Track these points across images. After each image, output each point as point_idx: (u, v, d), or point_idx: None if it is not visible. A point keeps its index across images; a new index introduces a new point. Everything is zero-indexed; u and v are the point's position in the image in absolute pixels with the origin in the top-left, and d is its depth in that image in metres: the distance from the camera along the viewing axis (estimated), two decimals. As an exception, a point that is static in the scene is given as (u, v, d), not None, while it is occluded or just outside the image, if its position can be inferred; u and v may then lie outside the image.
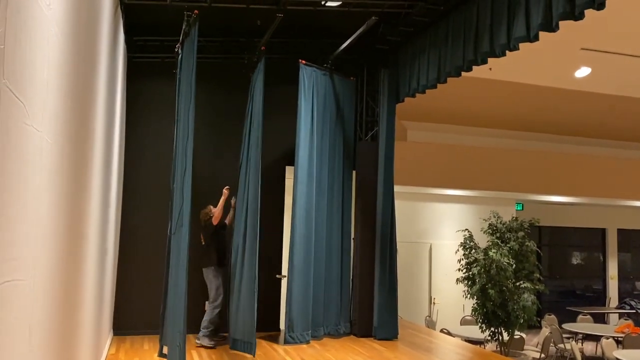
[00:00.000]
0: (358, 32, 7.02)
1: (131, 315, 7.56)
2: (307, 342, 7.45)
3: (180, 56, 6.28)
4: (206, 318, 7.12)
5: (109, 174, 5.50)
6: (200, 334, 7.09)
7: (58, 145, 2.43)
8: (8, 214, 1.62)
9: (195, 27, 5.79)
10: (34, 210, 1.98)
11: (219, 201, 7.22)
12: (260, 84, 7.10)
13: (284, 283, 7.91)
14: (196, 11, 5.79)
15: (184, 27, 6.07)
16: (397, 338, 7.89)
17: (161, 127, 7.84)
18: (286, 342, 7.33)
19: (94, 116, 3.90)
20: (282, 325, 8.04)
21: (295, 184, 7.57)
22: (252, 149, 7.26)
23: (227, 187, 7.27)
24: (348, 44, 7.49)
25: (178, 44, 6.43)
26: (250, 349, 6.57)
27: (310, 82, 7.86)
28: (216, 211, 7.14)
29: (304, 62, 7.82)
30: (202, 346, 7.02)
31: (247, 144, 7.48)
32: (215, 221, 7.15)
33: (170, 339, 5.58)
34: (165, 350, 5.97)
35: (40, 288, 2.18)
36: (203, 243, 7.24)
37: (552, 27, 5.15)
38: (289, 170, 7.97)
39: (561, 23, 5.10)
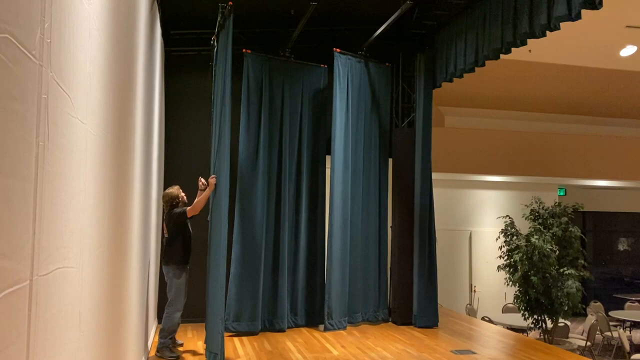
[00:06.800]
0: (392, 17, 6.93)
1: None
2: (344, 328, 7.51)
3: (215, 49, 6.34)
4: (164, 325, 5.98)
5: (150, 165, 5.62)
6: (160, 344, 5.98)
7: (101, 137, 2.49)
8: (58, 202, 1.67)
9: (230, 19, 5.83)
10: (81, 199, 2.05)
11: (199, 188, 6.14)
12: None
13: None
14: (230, 2, 5.82)
15: (218, 19, 6.12)
16: (437, 326, 7.84)
17: (200, 119, 7.95)
18: (326, 329, 7.40)
19: (134, 109, 3.99)
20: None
21: (332, 173, 7.60)
22: (304, 142, 7.70)
23: (213, 176, 5.89)
24: (383, 30, 7.41)
25: (213, 37, 6.49)
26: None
27: (345, 70, 7.83)
28: (198, 202, 5.93)
29: (338, 50, 7.78)
30: (161, 358, 5.91)
31: (297, 138, 7.83)
32: (193, 213, 5.98)
33: (211, 326, 5.70)
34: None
35: (88, 276, 2.25)
36: (166, 235, 6.11)
37: (595, 5, 4.97)
38: (328, 159, 7.99)
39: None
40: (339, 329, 7.47)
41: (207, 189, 5.89)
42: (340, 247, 7.60)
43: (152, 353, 6.13)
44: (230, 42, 5.84)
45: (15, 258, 1.29)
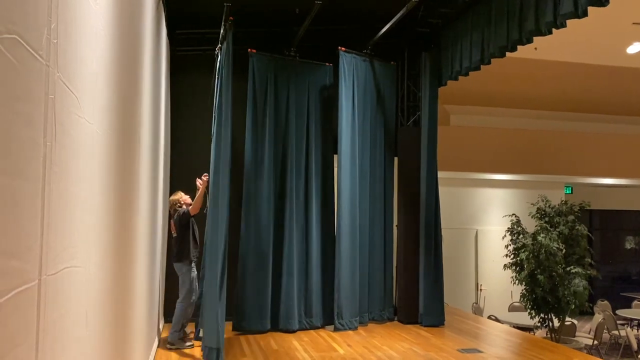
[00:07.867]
0: (398, 15, 6.91)
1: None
2: (355, 329, 7.48)
3: (219, 58, 6.41)
4: (177, 319, 6.33)
5: (157, 163, 5.64)
6: (173, 337, 6.33)
7: (108, 137, 2.50)
8: (65, 202, 1.68)
9: (230, 33, 5.94)
10: (88, 199, 2.05)
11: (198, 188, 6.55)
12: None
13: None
14: (231, 17, 5.89)
15: (221, 31, 6.18)
16: (443, 325, 7.82)
17: (205, 118, 7.92)
18: (336, 329, 7.37)
19: (141, 108, 4.00)
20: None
21: (340, 173, 7.58)
22: (311, 141, 7.73)
23: (205, 174, 6.41)
24: (388, 29, 7.39)
25: (218, 46, 6.55)
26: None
27: (350, 69, 7.82)
28: (196, 201, 6.40)
29: (343, 49, 7.77)
30: (178, 349, 6.25)
31: (304, 137, 7.79)
32: (194, 212, 6.40)
33: (209, 322, 5.67)
34: (201, 333, 6.07)
35: (94, 275, 2.26)
36: (175, 235, 6.52)
37: (601, 2, 4.94)
38: (335, 158, 7.98)
39: (612, -4, 4.88)
40: (349, 329, 7.41)
41: (201, 187, 6.45)
42: (349, 247, 7.58)
43: (161, 350, 6.15)
44: (230, 55, 5.94)
45: (23, 258, 1.29)
